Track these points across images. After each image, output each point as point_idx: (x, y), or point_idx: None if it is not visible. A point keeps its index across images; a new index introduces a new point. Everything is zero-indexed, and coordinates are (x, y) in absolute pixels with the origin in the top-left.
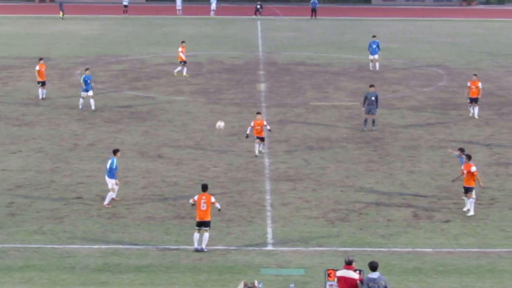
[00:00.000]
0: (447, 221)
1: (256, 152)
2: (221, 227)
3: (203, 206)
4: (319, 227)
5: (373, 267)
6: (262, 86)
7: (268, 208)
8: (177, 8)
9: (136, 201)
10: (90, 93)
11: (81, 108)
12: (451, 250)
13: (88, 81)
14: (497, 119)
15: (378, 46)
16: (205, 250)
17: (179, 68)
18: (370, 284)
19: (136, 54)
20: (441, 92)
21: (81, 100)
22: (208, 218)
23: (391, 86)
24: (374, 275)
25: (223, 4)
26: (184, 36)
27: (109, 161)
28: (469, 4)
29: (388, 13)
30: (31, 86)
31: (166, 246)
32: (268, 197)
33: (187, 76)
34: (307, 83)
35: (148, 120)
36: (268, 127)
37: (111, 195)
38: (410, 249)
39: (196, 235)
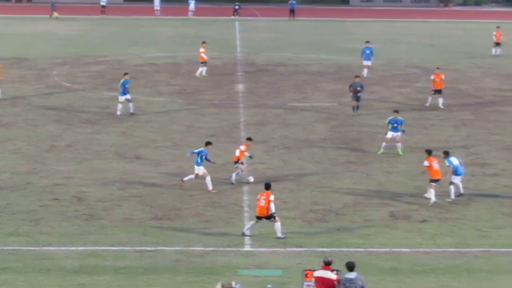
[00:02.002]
0: (424, 221)
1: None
2: (199, 228)
3: (262, 202)
4: (297, 228)
5: (350, 267)
6: (241, 87)
7: (246, 209)
8: (155, 8)
9: (114, 202)
10: (128, 96)
11: (120, 114)
12: (428, 250)
13: (126, 85)
14: (473, 119)
15: (371, 52)
16: (282, 236)
17: (200, 69)
18: (347, 284)
19: (115, 54)
20: (419, 93)
21: (119, 106)
22: (267, 213)
23: (369, 87)
24: (351, 275)
25: (201, 5)
26: (163, 37)
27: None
28: (446, 6)
29: (366, 14)
30: (7, 86)
31: (144, 248)
32: (246, 198)
33: (206, 76)
34: (285, 84)
35: (126, 121)
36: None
37: (209, 179)
38: (388, 249)
39: (251, 223)
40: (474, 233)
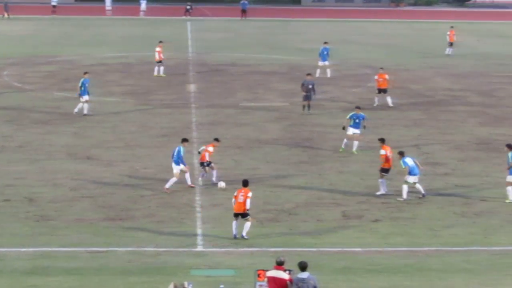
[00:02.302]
0: (376, 220)
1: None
2: (152, 229)
3: (240, 198)
4: (250, 228)
5: (303, 267)
6: (192, 87)
7: (198, 209)
8: (107, 8)
9: (65, 203)
10: (87, 97)
11: (77, 112)
12: (380, 249)
13: (86, 85)
14: (425, 119)
15: (328, 52)
16: (246, 237)
17: (157, 68)
18: (300, 284)
19: (66, 55)
20: (371, 93)
21: (80, 105)
22: (244, 210)
23: (321, 87)
24: (304, 275)
25: (152, 5)
26: (114, 37)
27: (176, 150)
28: (397, 6)
29: (318, 14)
30: None
31: (96, 249)
32: (198, 198)
33: (164, 75)
34: (237, 84)
35: (78, 121)
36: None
37: (173, 180)
38: (340, 249)
39: (235, 223)
40: (426, 232)
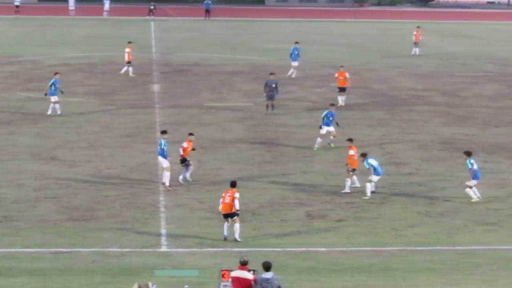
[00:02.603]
0: (340, 220)
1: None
2: (115, 229)
3: (227, 199)
4: (214, 228)
5: (267, 267)
6: (156, 87)
7: (163, 209)
8: (70, 8)
9: (29, 204)
10: (56, 98)
11: (50, 114)
12: (345, 249)
13: (57, 85)
14: (389, 119)
15: (298, 53)
16: (239, 240)
17: (126, 68)
18: (264, 284)
19: (29, 55)
20: (335, 93)
21: (51, 105)
22: (231, 210)
23: (285, 86)
24: (268, 275)
25: (116, 5)
26: (78, 37)
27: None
28: (361, 6)
29: (282, 14)
30: None
31: (60, 249)
32: (162, 198)
33: (134, 76)
34: (201, 84)
35: (41, 122)
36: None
37: (168, 175)
38: (304, 249)
39: (226, 224)
40: (390, 232)
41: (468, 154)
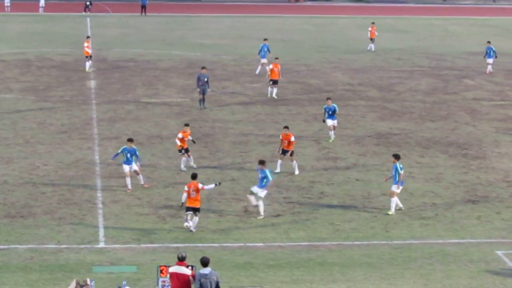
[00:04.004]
0: (278, 215)
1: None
2: (52, 226)
3: (193, 194)
4: (151, 224)
5: (205, 262)
6: (92, 83)
7: (100, 205)
8: (6, 5)
9: None
10: None
11: None
12: (282, 244)
13: None
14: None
15: (268, 49)
16: (194, 230)
17: (88, 63)
18: (202, 280)
19: None
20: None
21: None
22: (198, 205)
23: (220, 82)
24: (206, 270)
25: (52, 1)
26: (12, 33)
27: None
28: (297, 1)
29: (218, 10)
30: None
31: None
32: (99, 194)
33: (94, 70)
34: (137, 80)
35: None
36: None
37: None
38: (242, 244)
39: (196, 218)
40: (327, 227)
41: (397, 157)
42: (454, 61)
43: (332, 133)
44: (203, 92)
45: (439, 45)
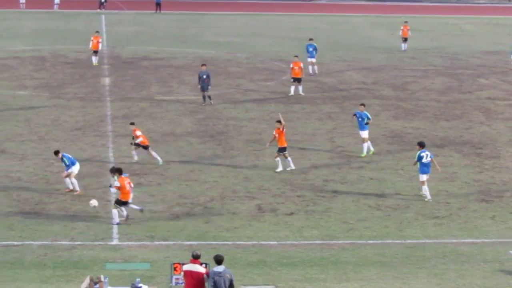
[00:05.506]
0: (291, 214)
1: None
2: (66, 222)
3: (130, 187)
4: (164, 221)
5: (219, 260)
6: (106, 81)
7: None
8: (21, 1)
9: None
10: None
11: None
12: (295, 242)
13: None
14: (339, 112)
15: (315, 49)
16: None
17: (94, 58)
18: (216, 278)
19: None
20: (284, 86)
21: None
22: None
23: (234, 80)
24: (220, 268)
25: None
26: (27, 30)
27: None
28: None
29: (231, 8)
30: None
31: (10, 242)
32: (113, 191)
33: (97, 64)
34: (151, 78)
35: None
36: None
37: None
38: (255, 242)
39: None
40: (341, 225)
41: (422, 145)
42: (469, 60)
43: (366, 145)
44: (203, 89)
45: (454, 44)
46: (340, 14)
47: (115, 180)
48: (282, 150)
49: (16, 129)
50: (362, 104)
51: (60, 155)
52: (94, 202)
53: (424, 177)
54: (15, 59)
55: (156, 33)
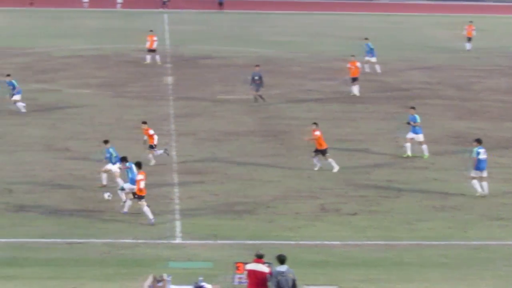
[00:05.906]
0: (355, 214)
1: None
2: (129, 220)
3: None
4: (227, 220)
5: (282, 260)
6: (169, 79)
7: (177, 201)
8: (83, 1)
9: (44, 195)
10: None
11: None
12: (359, 242)
13: (16, 85)
14: (401, 112)
15: (371, 48)
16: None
17: (149, 56)
18: (279, 277)
19: (42, 46)
20: (347, 86)
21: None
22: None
23: (296, 79)
24: (283, 268)
25: None
26: (90, 29)
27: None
28: None
29: (294, 7)
30: None
31: (74, 240)
32: (176, 190)
33: (148, 62)
34: (213, 77)
35: (55, 113)
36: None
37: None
38: (318, 242)
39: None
40: (404, 226)
41: (479, 142)
42: None
43: (424, 147)
44: (256, 90)
45: None
46: (402, 13)
47: (134, 173)
48: (319, 152)
49: (79, 127)
50: (413, 107)
51: (108, 145)
52: (107, 195)
53: (478, 173)
54: (79, 57)
55: (219, 32)
